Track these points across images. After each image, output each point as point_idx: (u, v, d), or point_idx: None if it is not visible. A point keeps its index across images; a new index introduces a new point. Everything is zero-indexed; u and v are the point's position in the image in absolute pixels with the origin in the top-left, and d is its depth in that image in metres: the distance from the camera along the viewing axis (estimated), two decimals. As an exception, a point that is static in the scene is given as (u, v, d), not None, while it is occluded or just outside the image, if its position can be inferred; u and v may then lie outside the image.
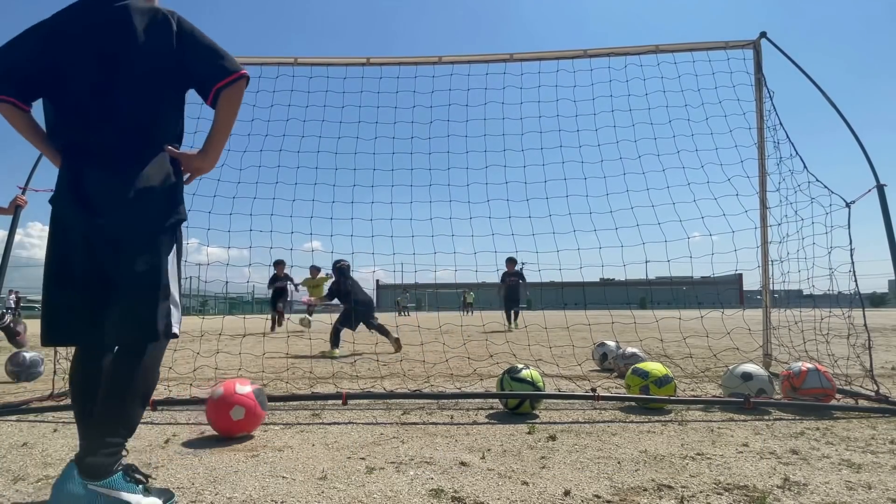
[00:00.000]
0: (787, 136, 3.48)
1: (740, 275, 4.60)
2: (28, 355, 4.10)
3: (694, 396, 2.88)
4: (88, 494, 1.32)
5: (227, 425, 2.16)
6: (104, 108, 1.42)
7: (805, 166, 3.30)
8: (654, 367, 2.77)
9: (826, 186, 3.12)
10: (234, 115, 1.53)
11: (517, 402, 2.59)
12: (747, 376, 2.71)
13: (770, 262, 3.93)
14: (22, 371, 4.01)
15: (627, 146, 4.01)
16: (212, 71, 1.48)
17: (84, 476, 1.32)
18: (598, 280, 4.18)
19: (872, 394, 2.76)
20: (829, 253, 3.02)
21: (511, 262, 10.14)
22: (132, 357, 1.42)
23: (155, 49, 1.45)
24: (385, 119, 4.11)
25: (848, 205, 2.97)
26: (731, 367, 2.90)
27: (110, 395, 1.39)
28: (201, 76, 1.50)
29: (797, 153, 3.39)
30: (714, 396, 2.83)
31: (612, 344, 4.23)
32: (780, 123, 3.56)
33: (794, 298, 4.16)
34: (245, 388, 2.21)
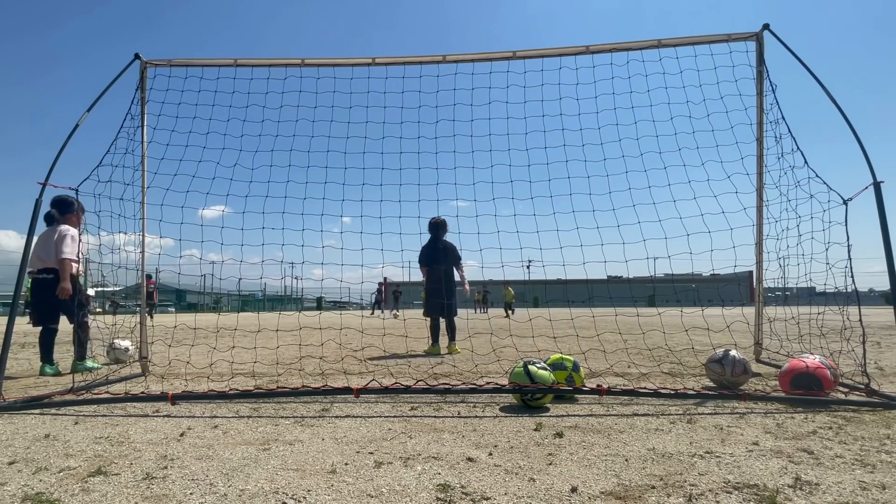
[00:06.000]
0: (790, 131, 3.41)
1: (751, 272, 4.53)
2: None
3: (694, 391, 2.86)
4: None
5: None
6: None
7: (805, 161, 3.24)
8: (556, 369, 2.89)
9: (825, 182, 3.10)
10: None
11: (541, 395, 2.66)
12: (726, 357, 2.98)
13: (766, 254, 3.91)
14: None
15: (630, 143, 3.96)
16: None
17: None
18: (604, 278, 4.15)
19: (872, 390, 2.73)
20: (827, 250, 3.04)
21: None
22: None
23: None
24: (392, 119, 4.14)
25: (845, 202, 2.96)
26: (710, 356, 3.11)
27: None
28: None
29: (798, 148, 3.34)
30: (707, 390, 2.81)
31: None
32: (783, 117, 3.49)
33: (806, 296, 4.10)
34: None
